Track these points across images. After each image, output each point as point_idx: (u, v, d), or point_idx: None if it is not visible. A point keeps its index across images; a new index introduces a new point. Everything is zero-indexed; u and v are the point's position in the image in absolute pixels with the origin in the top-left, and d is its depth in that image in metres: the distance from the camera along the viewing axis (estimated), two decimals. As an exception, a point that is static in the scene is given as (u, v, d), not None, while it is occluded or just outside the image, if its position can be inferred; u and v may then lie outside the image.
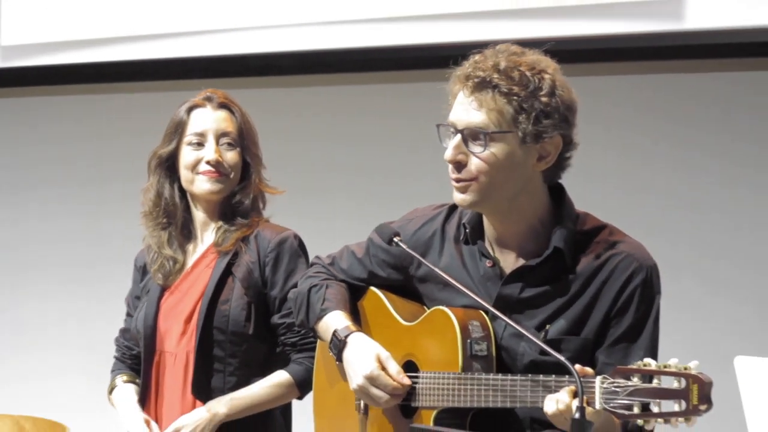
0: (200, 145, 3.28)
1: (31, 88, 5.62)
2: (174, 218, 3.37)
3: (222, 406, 3.21)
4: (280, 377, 3.26)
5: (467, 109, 2.53)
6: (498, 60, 2.51)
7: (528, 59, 2.53)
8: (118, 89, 5.41)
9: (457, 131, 2.53)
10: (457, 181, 2.54)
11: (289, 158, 3.65)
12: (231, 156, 3.29)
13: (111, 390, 3.45)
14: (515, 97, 2.47)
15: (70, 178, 5.67)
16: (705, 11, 3.90)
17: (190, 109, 3.34)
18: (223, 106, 3.34)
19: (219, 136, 3.28)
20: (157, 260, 3.36)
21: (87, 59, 5.33)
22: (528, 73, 2.49)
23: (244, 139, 3.32)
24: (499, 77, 2.48)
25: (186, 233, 3.39)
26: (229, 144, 3.29)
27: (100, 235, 5.46)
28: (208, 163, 3.25)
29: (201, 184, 3.27)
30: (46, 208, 5.77)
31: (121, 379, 3.45)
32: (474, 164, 2.51)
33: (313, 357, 3.14)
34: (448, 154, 2.54)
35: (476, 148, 2.50)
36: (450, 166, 2.55)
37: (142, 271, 3.48)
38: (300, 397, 3.31)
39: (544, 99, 2.48)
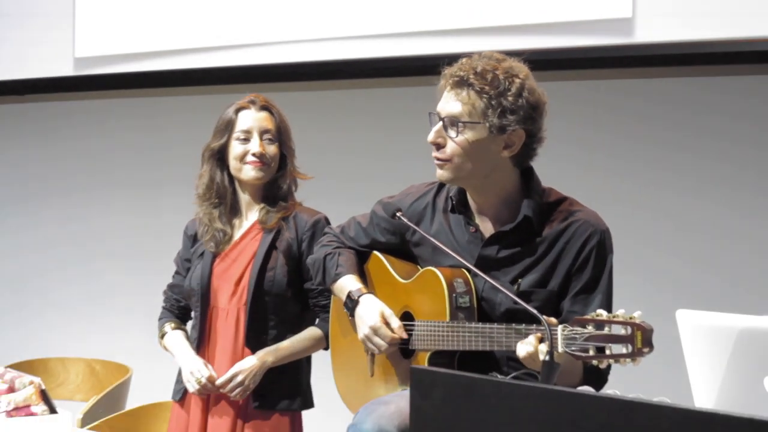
0: (246, 140, 3.35)
1: (98, 92, 5.64)
2: (224, 199, 3.44)
3: (270, 355, 3.30)
4: (313, 332, 3.35)
5: (448, 101, 2.61)
6: (478, 64, 2.57)
7: (504, 65, 2.58)
8: (173, 93, 5.42)
9: (440, 119, 2.60)
10: (437, 159, 2.62)
11: (313, 151, 3.67)
12: (272, 149, 3.37)
13: (162, 335, 3.51)
14: (485, 95, 2.54)
15: (130, 173, 5.75)
16: (651, 27, 3.90)
17: (237, 111, 3.41)
18: (264, 108, 3.41)
19: (262, 132, 3.36)
20: (208, 232, 3.43)
21: (146, 68, 5.34)
22: (501, 77, 2.55)
23: (281, 135, 3.40)
24: (474, 77, 2.55)
25: (233, 211, 3.45)
26: (269, 139, 3.37)
27: (155, 217, 5.49)
28: (253, 155, 3.33)
29: (248, 172, 3.35)
30: (112, 204, 5.86)
31: (169, 326, 3.51)
32: (450, 146, 2.59)
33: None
34: (430, 136, 2.63)
35: (452, 133, 2.58)
36: (433, 147, 2.62)
37: (192, 238, 3.55)
38: (326, 348, 3.34)
39: (510, 98, 2.54)
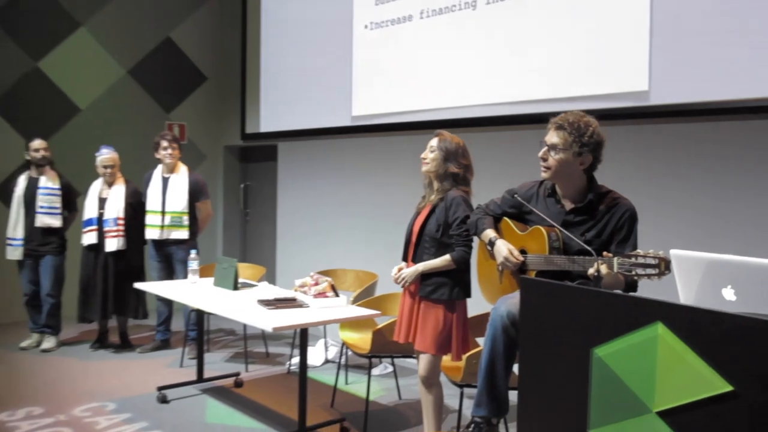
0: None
1: (364, 134, 5.72)
2: (426, 184, 3.40)
3: (420, 266, 3.25)
4: (447, 257, 3.22)
5: (552, 136, 2.57)
6: (570, 117, 2.56)
7: (585, 119, 2.57)
8: (407, 134, 5.44)
9: (546, 145, 2.58)
10: (543, 167, 2.59)
11: (486, 167, 3.64)
12: (431, 155, 3.30)
13: None
14: (572, 134, 2.52)
15: (383, 178, 5.79)
16: (660, 96, 3.75)
17: (431, 140, 3.36)
18: (437, 135, 3.34)
19: (429, 147, 3.32)
20: (421, 201, 3.41)
21: (391, 121, 5.42)
22: (582, 125, 2.53)
23: (441, 148, 3.28)
24: (567, 124, 2.54)
25: (430, 191, 3.36)
26: (431, 150, 3.30)
27: (391, 197, 5.56)
28: (421, 157, 3.34)
29: (422, 168, 3.34)
30: (368, 191, 5.90)
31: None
32: (551, 161, 2.56)
33: (464, 250, 3.18)
34: (540, 153, 2.60)
35: (553, 153, 2.56)
36: (540, 159, 2.61)
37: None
38: (455, 268, 3.24)
39: (586, 138, 2.52)
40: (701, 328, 1.51)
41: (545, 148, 2.58)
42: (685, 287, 1.97)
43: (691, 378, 1.51)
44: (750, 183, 3.56)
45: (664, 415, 1.56)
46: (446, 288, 3.25)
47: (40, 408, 4.12)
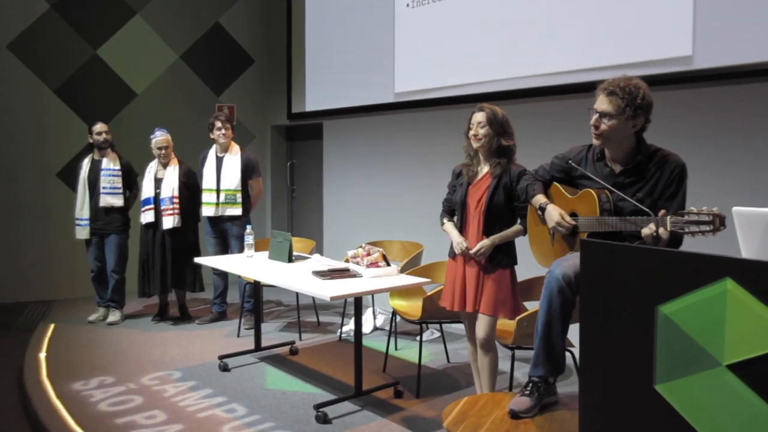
0: (470, 128, 3.25)
1: (406, 109, 5.67)
2: (471, 154, 3.31)
3: (496, 238, 3.18)
4: (517, 227, 3.20)
5: (603, 102, 2.45)
6: (620, 81, 2.45)
7: (633, 82, 2.44)
8: (444, 109, 5.38)
9: (597, 112, 2.46)
10: (595, 134, 2.49)
11: (528, 135, 3.55)
12: (481, 131, 3.21)
13: (442, 224, 3.42)
14: (624, 99, 2.41)
15: (423, 148, 5.73)
16: (703, 59, 3.65)
17: (472, 114, 3.27)
18: (481, 109, 3.24)
19: (476, 122, 3.22)
20: (467, 172, 3.32)
21: (429, 96, 5.34)
22: (632, 88, 2.41)
23: (489, 122, 3.20)
24: (619, 90, 2.42)
25: (477, 163, 3.30)
26: (480, 125, 3.21)
27: (434, 166, 5.49)
28: (472, 134, 3.24)
29: (472, 144, 3.25)
30: (411, 165, 5.86)
31: (446, 219, 3.41)
32: (602, 127, 2.45)
33: None
34: (592, 121, 2.48)
35: (605, 120, 2.44)
36: (592, 126, 2.50)
37: (457, 175, 3.41)
38: (524, 235, 3.19)
39: (638, 101, 2.41)
40: (773, 282, 1.43)
41: (596, 115, 2.47)
42: (747, 244, 1.87)
43: (763, 331, 1.44)
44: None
45: (734, 368, 1.49)
46: (510, 255, 3.25)
47: (111, 377, 4.19)
